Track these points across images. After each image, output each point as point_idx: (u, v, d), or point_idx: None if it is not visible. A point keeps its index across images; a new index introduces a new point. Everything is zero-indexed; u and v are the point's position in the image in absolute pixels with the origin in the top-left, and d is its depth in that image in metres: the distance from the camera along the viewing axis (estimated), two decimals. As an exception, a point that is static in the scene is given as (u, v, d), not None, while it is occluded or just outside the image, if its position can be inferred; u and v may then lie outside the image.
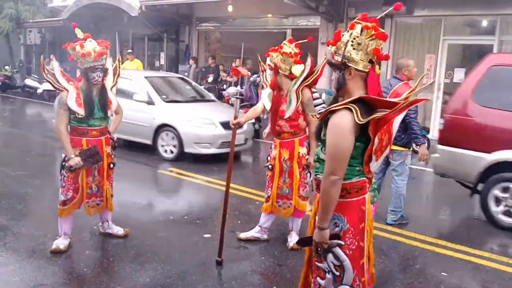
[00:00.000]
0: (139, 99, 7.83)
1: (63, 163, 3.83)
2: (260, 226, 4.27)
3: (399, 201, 4.85)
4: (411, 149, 4.80)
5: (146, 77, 8.44)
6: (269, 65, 4.09)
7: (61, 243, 3.87)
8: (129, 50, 12.72)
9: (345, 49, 2.13)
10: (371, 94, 2.14)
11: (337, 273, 2.22)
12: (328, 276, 2.25)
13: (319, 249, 2.24)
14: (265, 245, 4.24)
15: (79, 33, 3.82)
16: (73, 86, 3.78)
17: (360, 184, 2.20)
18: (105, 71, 3.88)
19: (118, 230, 4.27)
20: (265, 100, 4.14)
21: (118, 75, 4.13)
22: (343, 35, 2.16)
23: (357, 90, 2.15)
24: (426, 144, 4.81)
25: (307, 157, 3.99)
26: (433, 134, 10.32)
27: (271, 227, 4.35)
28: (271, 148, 4.19)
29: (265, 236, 4.30)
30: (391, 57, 10.45)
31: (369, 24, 2.11)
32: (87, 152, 3.79)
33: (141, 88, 8.02)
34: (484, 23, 10.07)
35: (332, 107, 2.11)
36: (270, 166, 4.11)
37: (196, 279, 3.56)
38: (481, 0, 9.24)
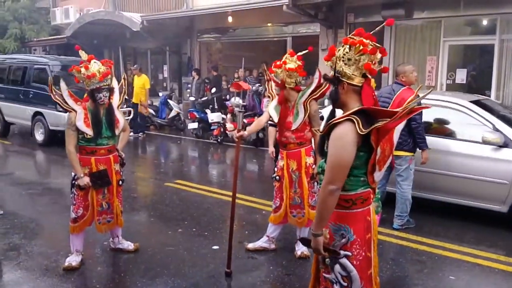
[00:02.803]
0: (475, 139, 5.02)
1: (73, 182, 3.91)
2: (267, 236, 4.32)
3: (405, 206, 4.86)
4: (413, 154, 4.82)
5: (473, 102, 5.28)
6: (275, 81, 4.16)
7: (73, 260, 3.95)
8: (135, 66, 12.86)
9: (336, 64, 2.19)
10: (365, 103, 2.19)
11: (345, 284, 2.24)
12: (336, 287, 2.27)
13: (326, 260, 2.27)
14: (273, 255, 4.29)
15: (83, 55, 3.91)
16: (81, 107, 3.86)
17: (365, 195, 2.23)
18: (111, 90, 3.97)
19: (129, 245, 4.34)
20: (272, 112, 4.18)
21: (124, 93, 4.23)
22: (338, 50, 2.22)
23: (353, 104, 2.20)
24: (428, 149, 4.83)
25: (314, 166, 4.04)
26: (438, 135, 10.32)
27: (278, 236, 4.40)
28: (277, 159, 4.25)
29: (273, 246, 4.34)
30: (391, 61, 10.50)
31: (356, 39, 2.15)
32: (96, 175, 3.88)
33: (474, 121, 5.09)
34: (484, 22, 10.08)
35: (334, 120, 2.16)
36: (277, 177, 4.16)
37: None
38: (480, 0, 9.26)
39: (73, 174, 3.92)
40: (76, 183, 3.88)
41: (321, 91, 3.95)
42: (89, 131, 3.82)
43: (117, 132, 4.04)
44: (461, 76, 10.16)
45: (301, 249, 4.17)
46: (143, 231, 4.93)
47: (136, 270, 3.97)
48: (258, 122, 4.41)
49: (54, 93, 3.89)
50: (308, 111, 3.97)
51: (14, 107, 10.99)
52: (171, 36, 14.55)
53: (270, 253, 4.32)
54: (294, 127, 4.01)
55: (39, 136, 10.28)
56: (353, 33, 2.24)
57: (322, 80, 3.92)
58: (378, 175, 2.28)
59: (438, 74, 10.32)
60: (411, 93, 4.56)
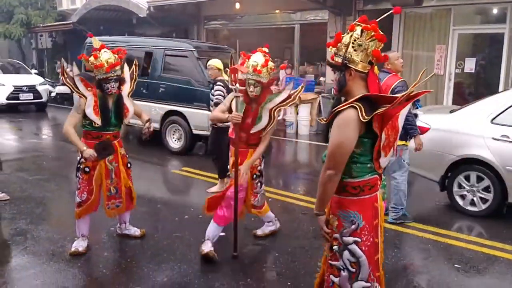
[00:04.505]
0: None
1: (78, 165, 3.92)
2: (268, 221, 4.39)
3: (399, 198, 4.72)
4: (408, 142, 4.71)
5: None
6: (239, 74, 3.76)
7: (80, 245, 3.97)
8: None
9: (346, 50, 2.17)
10: (372, 90, 2.19)
11: (353, 270, 2.27)
12: (343, 273, 2.29)
13: (334, 247, 2.30)
14: (278, 242, 4.30)
15: (95, 42, 3.86)
16: (92, 93, 3.82)
17: (372, 181, 2.25)
18: (121, 80, 3.91)
19: (135, 231, 4.37)
20: (235, 107, 3.78)
21: (135, 79, 4.15)
22: (343, 36, 2.21)
23: (358, 91, 2.19)
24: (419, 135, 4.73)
25: (259, 168, 3.97)
26: (445, 125, 10.26)
27: (284, 225, 4.41)
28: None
29: (278, 224, 4.44)
30: (400, 49, 10.40)
31: (369, 25, 2.15)
32: (100, 145, 3.85)
33: None
34: (495, 11, 9.94)
35: (337, 108, 2.16)
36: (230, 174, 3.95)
37: (212, 277, 3.64)
38: (490, -12, 9.13)
39: (78, 158, 3.92)
40: (81, 166, 3.88)
41: (289, 103, 3.82)
42: (97, 120, 3.81)
43: (125, 120, 4.03)
44: (470, 65, 10.05)
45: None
46: (150, 218, 4.96)
47: (143, 256, 4.00)
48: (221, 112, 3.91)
49: (65, 76, 3.83)
50: (274, 121, 3.78)
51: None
52: (178, 22, 14.49)
53: (276, 240, 4.33)
54: (253, 130, 3.81)
55: (173, 143, 8.18)
56: (357, 20, 2.23)
57: (291, 93, 3.80)
58: (384, 161, 2.29)
59: (447, 63, 10.22)
60: (396, 80, 4.55)
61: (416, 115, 5.06)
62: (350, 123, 2.10)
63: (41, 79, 14.45)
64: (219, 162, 5.72)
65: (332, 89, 8.59)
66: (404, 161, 4.70)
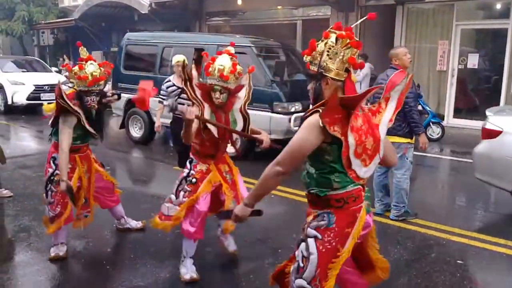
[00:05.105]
0: None
1: (52, 178, 3.77)
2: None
3: (400, 196, 4.68)
4: (413, 140, 4.62)
5: None
6: (201, 85, 3.42)
7: (59, 250, 3.85)
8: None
9: (321, 58, 2.11)
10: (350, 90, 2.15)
11: (302, 265, 2.19)
12: (294, 265, 2.25)
13: (300, 236, 2.25)
14: (282, 239, 4.30)
15: (83, 52, 3.74)
16: (79, 108, 3.65)
17: (356, 192, 2.17)
18: (102, 94, 3.79)
19: (136, 224, 4.42)
20: (210, 126, 3.38)
21: (250, 89, 3.66)
22: (317, 44, 2.14)
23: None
24: (425, 133, 4.66)
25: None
26: (447, 121, 10.26)
27: (289, 222, 4.39)
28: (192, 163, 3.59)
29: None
30: (403, 45, 10.36)
31: (343, 33, 2.08)
32: (71, 191, 3.63)
33: None
34: (498, 6, 9.90)
35: (306, 113, 2.13)
36: (194, 180, 3.53)
37: (215, 273, 3.65)
38: (493, -17, 9.08)
39: (50, 170, 3.79)
40: (55, 179, 3.74)
41: (250, 91, 3.57)
42: (94, 132, 3.76)
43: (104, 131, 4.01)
44: (472, 61, 10.03)
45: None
46: (152, 214, 4.96)
47: (146, 252, 4.01)
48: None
49: (58, 96, 3.56)
50: (248, 117, 3.51)
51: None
52: (180, 19, 14.47)
53: (279, 237, 4.33)
54: (235, 137, 3.57)
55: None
56: (331, 26, 2.18)
57: (250, 84, 3.58)
58: (364, 171, 2.17)
59: (449, 58, 10.19)
60: (403, 76, 4.43)
61: (421, 112, 4.97)
62: (312, 127, 2.05)
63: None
64: (183, 152, 5.89)
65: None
66: (407, 159, 4.62)
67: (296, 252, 2.27)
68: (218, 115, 3.41)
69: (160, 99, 5.93)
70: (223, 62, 3.34)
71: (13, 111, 12.29)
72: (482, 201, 5.65)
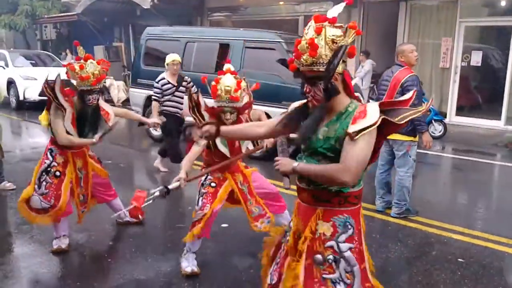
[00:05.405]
0: None
1: (49, 169, 3.80)
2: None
3: (402, 194, 4.66)
4: (416, 138, 4.58)
5: None
6: (209, 109, 3.40)
7: (61, 243, 3.88)
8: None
9: (335, 57, 1.92)
10: (352, 90, 2.09)
11: (348, 281, 2.06)
12: (339, 287, 2.06)
13: (328, 258, 2.05)
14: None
15: (80, 52, 3.76)
16: (70, 105, 3.68)
17: (362, 190, 2.15)
18: (101, 92, 3.83)
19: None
20: (222, 148, 3.43)
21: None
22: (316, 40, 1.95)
23: (342, 92, 2.04)
24: (429, 131, 4.65)
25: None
26: (450, 118, 10.23)
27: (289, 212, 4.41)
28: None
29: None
30: (406, 42, 10.33)
31: (350, 23, 2.00)
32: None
33: None
34: (502, 3, 9.86)
35: (369, 126, 1.95)
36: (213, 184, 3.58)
37: (216, 268, 3.67)
38: (498, -20, 9.04)
39: (47, 161, 3.82)
40: (52, 170, 3.78)
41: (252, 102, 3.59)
42: (73, 132, 3.71)
43: (110, 123, 3.91)
44: (476, 58, 9.99)
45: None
46: (153, 209, 4.97)
47: (147, 246, 4.03)
48: (189, 160, 3.47)
49: (46, 86, 3.67)
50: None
51: None
52: (182, 14, 14.44)
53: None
54: (244, 149, 3.58)
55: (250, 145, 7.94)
56: (311, 21, 2.00)
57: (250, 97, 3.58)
58: None
59: (453, 56, 10.15)
60: (407, 74, 4.40)
61: (430, 111, 4.92)
62: (374, 131, 1.97)
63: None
64: (173, 147, 6.27)
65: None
66: (410, 157, 4.60)
67: (335, 274, 2.05)
68: None
69: (155, 97, 5.98)
70: (229, 82, 3.31)
71: (25, 107, 12.19)
72: (483, 199, 5.65)
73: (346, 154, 1.95)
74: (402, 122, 1.98)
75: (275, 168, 2.10)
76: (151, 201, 3.29)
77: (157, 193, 3.22)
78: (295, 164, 2.05)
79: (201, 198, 3.50)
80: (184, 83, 6.18)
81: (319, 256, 2.06)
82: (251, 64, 7.31)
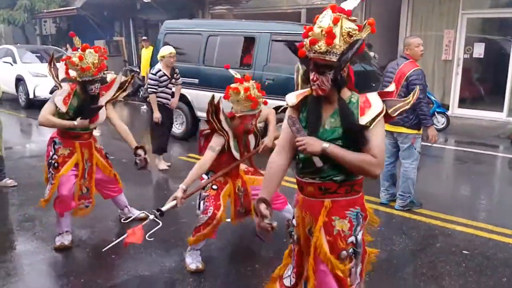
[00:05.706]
0: None
1: (50, 161, 3.82)
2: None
3: (407, 186, 4.66)
4: (420, 131, 4.57)
5: None
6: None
7: (64, 239, 3.88)
8: (144, 37, 12.76)
9: (350, 48, 1.93)
10: (353, 83, 2.12)
11: (360, 264, 2.21)
12: (353, 270, 2.17)
13: (349, 250, 2.13)
14: (285, 231, 4.29)
15: (77, 42, 3.72)
16: (69, 86, 3.69)
17: (363, 178, 2.18)
18: (102, 81, 3.82)
19: (140, 213, 4.39)
20: (235, 153, 3.49)
21: (124, 90, 3.99)
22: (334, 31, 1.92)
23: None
24: (434, 125, 4.63)
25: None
26: (453, 111, 10.19)
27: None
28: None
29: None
30: (408, 34, 10.26)
31: (369, 19, 2.01)
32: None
33: None
34: (505, -6, 9.78)
35: (378, 114, 2.01)
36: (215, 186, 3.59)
37: (220, 262, 3.66)
38: (501, -29, 8.95)
39: (50, 153, 3.83)
40: (52, 162, 3.80)
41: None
42: (63, 107, 3.66)
43: (91, 125, 3.87)
44: (478, 50, 9.93)
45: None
46: (157, 203, 4.96)
47: (150, 242, 3.98)
48: (201, 167, 3.40)
49: (52, 65, 3.71)
50: (260, 133, 3.68)
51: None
52: (183, 7, 14.36)
53: (280, 226, 4.32)
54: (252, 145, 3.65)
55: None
56: (328, 10, 1.96)
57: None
58: None
59: (455, 48, 10.09)
60: (412, 67, 4.41)
61: (432, 103, 4.92)
62: (382, 119, 2.07)
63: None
64: (161, 137, 6.31)
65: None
66: (415, 149, 4.60)
67: (353, 262, 2.15)
68: (239, 139, 3.50)
69: (152, 89, 5.98)
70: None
71: (35, 106, 11.68)
72: (486, 191, 5.63)
73: (374, 149, 1.99)
74: (394, 114, 2.09)
75: (300, 148, 2.02)
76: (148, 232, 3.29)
77: (148, 220, 3.30)
78: (325, 144, 1.98)
79: (203, 202, 3.48)
80: (175, 75, 6.27)
81: (344, 252, 2.13)
82: (278, 58, 6.86)
